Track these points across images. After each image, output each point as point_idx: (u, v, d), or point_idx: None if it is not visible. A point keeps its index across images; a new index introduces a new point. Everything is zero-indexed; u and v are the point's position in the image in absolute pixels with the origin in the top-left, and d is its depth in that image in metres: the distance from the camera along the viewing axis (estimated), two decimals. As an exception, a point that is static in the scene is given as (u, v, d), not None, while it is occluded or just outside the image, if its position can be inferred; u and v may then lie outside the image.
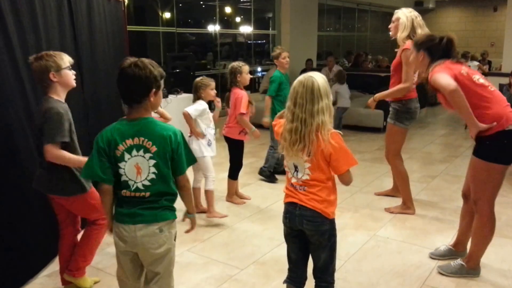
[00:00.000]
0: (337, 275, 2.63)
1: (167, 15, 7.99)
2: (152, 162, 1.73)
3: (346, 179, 1.86)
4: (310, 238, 1.91)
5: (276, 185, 4.35)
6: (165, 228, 1.80)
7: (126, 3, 4.11)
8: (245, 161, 5.24)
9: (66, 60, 2.26)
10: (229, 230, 3.34)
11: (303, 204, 1.87)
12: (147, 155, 1.72)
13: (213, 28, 8.96)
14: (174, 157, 1.76)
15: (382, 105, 6.59)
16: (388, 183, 4.34)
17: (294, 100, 1.81)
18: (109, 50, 3.74)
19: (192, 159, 1.84)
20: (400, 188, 3.61)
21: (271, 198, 3.98)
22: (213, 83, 3.49)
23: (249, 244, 3.10)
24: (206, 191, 3.54)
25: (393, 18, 3.38)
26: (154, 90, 1.73)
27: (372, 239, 3.14)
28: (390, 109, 3.47)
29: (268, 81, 4.45)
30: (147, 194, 1.76)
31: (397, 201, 3.77)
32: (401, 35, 3.29)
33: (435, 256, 2.83)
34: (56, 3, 3.02)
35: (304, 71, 8.99)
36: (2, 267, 2.45)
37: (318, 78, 1.81)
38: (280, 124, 1.93)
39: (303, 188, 1.87)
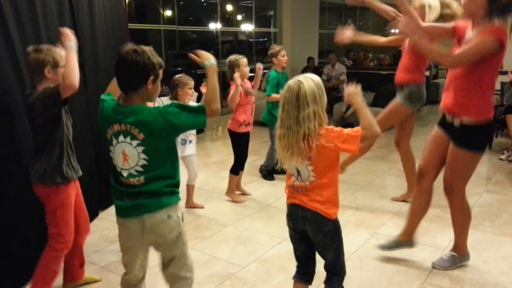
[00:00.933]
0: (338, 273, 2.65)
1: (168, 13, 7.99)
2: (141, 148, 1.69)
3: (368, 144, 1.87)
4: (313, 238, 1.91)
5: (278, 182, 4.36)
6: (172, 212, 1.79)
7: (127, 1, 4.11)
8: (247, 159, 5.27)
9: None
10: (231, 227, 3.35)
11: (305, 205, 1.84)
12: (134, 142, 1.69)
13: (215, 26, 8.95)
14: (178, 128, 1.72)
15: (384, 103, 6.60)
16: (389, 181, 4.35)
17: (282, 106, 1.76)
18: (111, 48, 3.74)
19: (199, 111, 1.73)
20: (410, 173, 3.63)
21: (272, 196, 3.99)
22: (191, 82, 3.39)
23: (251, 241, 3.11)
24: (187, 185, 3.68)
25: (417, 5, 3.18)
26: (151, 78, 1.70)
27: (373, 237, 3.15)
28: (403, 90, 3.37)
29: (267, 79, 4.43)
30: (141, 179, 1.73)
31: (402, 203, 3.78)
32: (429, 18, 3.11)
33: (383, 247, 2.82)
34: (56, 2, 3.01)
35: (305, 69, 9.02)
36: (2, 266, 2.45)
37: (307, 82, 1.72)
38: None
39: (305, 189, 1.84)
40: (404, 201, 3.76)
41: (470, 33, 2.33)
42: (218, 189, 4.13)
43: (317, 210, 1.82)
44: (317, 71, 8.65)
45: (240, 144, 3.80)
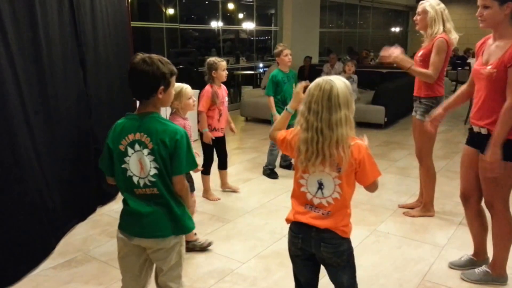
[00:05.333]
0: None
1: (170, 11, 8.00)
2: (151, 157, 1.69)
3: (372, 189, 1.69)
4: (327, 261, 1.69)
5: (278, 180, 4.39)
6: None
7: (129, 0, 4.13)
8: (247, 156, 5.29)
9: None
10: (231, 224, 3.37)
11: (320, 226, 1.64)
12: (145, 151, 1.70)
13: (216, 24, 8.96)
14: (171, 156, 1.70)
15: (383, 101, 6.63)
16: (388, 179, 4.37)
17: (309, 105, 1.57)
18: (113, 46, 3.76)
19: (191, 163, 1.74)
20: (427, 189, 3.41)
21: (272, 193, 4.01)
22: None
23: (251, 238, 3.13)
24: None
25: (419, 10, 3.16)
26: (162, 87, 1.69)
27: (372, 234, 3.17)
28: (421, 106, 3.25)
29: (269, 77, 4.47)
30: (155, 190, 1.73)
31: (401, 201, 3.80)
32: (432, 30, 3.08)
33: (455, 266, 2.68)
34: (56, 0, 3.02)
35: (302, 68, 9.02)
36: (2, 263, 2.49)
37: (339, 83, 1.56)
38: (288, 132, 1.73)
39: (328, 213, 1.64)
40: (411, 208, 3.58)
41: (493, 45, 2.27)
42: (219, 186, 4.14)
43: (337, 231, 1.64)
44: (315, 69, 8.67)
45: (205, 145, 3.77)
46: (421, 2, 3.18)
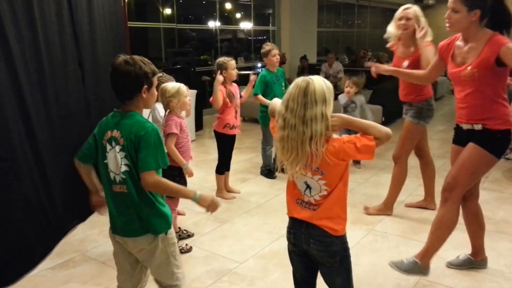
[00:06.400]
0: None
1: (167, 11, 8.00)
2: (123, 154, 1.70)
3: (382, 143, 1.61)
4: (318, 259, 1.67)
5: (276, 180, 4.39)
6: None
7: (126, 0, 4.13)
8: (245, 156, 5.30)
9: None
10: (229, 224, 3.38)
11: (310, 221, 1.63)
12: (118, 148, 1.71)
13: (214, 24, 8.97)
14: (137, 152, 1.69)
15: (381, 100, 6.63)
16: (386, 179, 4.37)
17: (286, 103, 1.55)
18: (110, 46, 3.75)
19: (158, 161, 1.68)
20: (393, 189, 3.46)
21: (270, 193, 4.02)
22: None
23: (249, 238, 3.13)
24: None
25: (410, 16, 3.14)
26: (145, 86, 1.71)
27: (370, 233, 3.18)
28: (411, 108, 3.27)
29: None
30: (125, 187, 1.72)
31: (400, 200, 3.83)
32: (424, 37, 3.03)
33: (452, 265, 2.70)
34: (54, 0, 3.02)
35: (300, 68, 9.03)
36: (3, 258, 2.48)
37: (317, 80, 1.54)
38: (273, 126, 1.71)
39: (314, 205, 1.63)
40: (419, 207, 3.59)
41: (466, 47, 2.28)
42: (207, 188, 4.14)
43: (324, 227, 1.62)
44: (314, 69, 8.69)
45: (223, 144, 3.84)
46: (405, 6, 3.19)
